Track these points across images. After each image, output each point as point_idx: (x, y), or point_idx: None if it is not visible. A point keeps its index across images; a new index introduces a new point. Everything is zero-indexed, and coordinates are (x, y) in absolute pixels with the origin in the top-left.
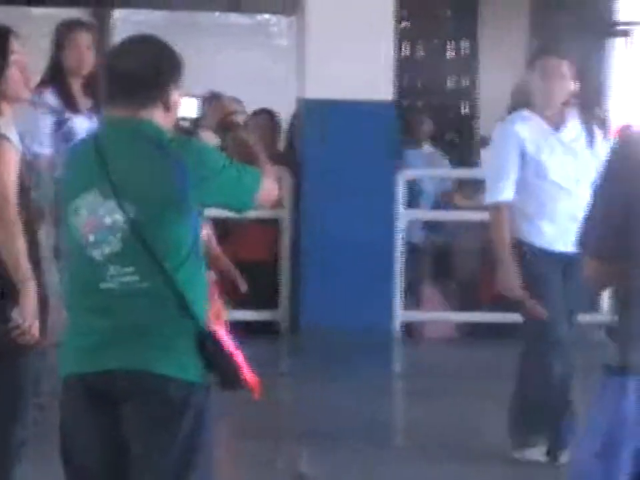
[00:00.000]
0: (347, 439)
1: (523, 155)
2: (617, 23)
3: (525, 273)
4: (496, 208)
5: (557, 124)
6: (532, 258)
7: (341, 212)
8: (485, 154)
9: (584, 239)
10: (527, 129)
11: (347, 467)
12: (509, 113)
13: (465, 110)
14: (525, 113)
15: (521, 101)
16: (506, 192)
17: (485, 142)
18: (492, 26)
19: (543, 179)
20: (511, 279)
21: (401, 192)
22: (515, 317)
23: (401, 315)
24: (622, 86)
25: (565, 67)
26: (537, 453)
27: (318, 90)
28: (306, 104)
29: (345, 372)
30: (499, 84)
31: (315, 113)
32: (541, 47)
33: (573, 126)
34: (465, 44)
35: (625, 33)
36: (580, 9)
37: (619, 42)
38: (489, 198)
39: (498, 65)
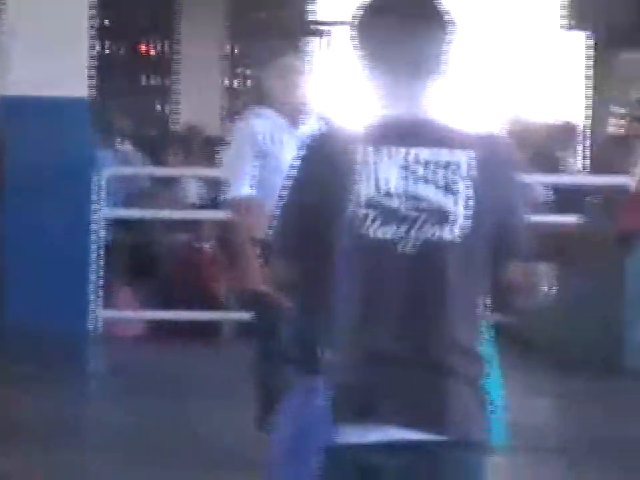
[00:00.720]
0: (44, 440)
1: (260, 151)
2: (314, 22)
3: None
4: (235, 204)
5: (294, 120)
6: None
7: (39, 211)
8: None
9: (272, 237)
10: (264, 125)
11: (45, 467)
12: (248, 110)
13: (164, 108)
14: (263, 109)
15: (259, 98)
16: (244, 188)
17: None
18: (191, 25)
19: (280, 175)
20: (253, 274)
21: (98, 191)
22: (211, 315)
23: (98, 314)
24: (321, 83)
25: (301, 65)
26: None
27: (14, 87)
28: (2, 101)
29: (42, 372)
30: (198, 82)
31: (11, 110)
32: (276, 46)
33: (310, 122)
34: (164, 42)
35: (323, 33)
36: (277, 8)
37: (316, 41)
38: (227, 194)
39: (197, 63)
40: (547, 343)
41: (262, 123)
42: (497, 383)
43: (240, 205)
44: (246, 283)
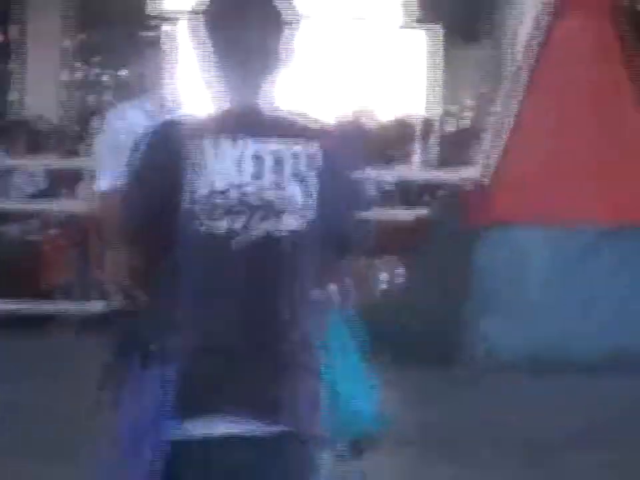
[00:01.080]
0: None
1: (129, 144)
2: (156, 15)
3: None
4: (103, 196)
5: (161, 112)
6: None
7: None
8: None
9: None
10: (133, 116)
11: None
12: (123, 100)
13: (5, 97)
14: (136, 100)
15: (134, 88)
16: (111, 181)
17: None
18: (36, 13)
19: None
20: (115, 268)
21: None
22: (45, 307)
23: None
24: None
25: (167, 56)
26: None
27: None
28: None
29: None
30: (40, 71)
31: None
32: (132, 36)
33: (175, 113)
34: (8, 30)
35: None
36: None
37: (160, 32)
38: (97, 186)
39: (40, 51)
40: (390, 335)
41: (131, 115)
42: (361, 375)
43: (106, 199)
44: (103, 277)
